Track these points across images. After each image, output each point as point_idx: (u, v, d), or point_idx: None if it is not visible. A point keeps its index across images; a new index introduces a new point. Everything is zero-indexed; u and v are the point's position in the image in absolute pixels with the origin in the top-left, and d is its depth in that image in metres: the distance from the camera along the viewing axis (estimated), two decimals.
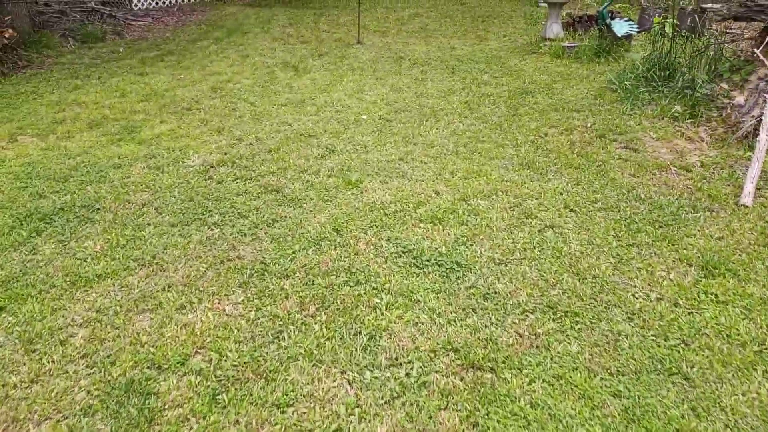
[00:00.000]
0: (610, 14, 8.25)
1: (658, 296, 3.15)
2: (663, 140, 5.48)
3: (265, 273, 3.33)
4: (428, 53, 9.09)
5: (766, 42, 5.76)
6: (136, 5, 13.19)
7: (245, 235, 3.75)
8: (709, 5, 5.62)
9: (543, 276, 3.31)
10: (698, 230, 3.85)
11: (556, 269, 3.38)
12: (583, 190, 4.43)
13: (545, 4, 12.88)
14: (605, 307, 3.06)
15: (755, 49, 5.44)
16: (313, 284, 3.23)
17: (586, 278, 3.30)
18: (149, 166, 4.92)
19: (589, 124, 5.85)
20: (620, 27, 8.19)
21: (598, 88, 7.05)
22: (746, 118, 5.47)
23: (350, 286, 3.19)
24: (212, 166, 4.89)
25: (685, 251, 3.59)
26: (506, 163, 4.94)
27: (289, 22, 11.73)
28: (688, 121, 5.69)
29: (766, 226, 3.91)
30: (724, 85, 5.94)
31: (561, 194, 4.37)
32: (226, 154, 5.19)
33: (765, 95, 5.44)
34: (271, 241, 3.67)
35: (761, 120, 5.42)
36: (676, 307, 3.07)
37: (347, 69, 8.25)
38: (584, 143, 5.39)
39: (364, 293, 3.13)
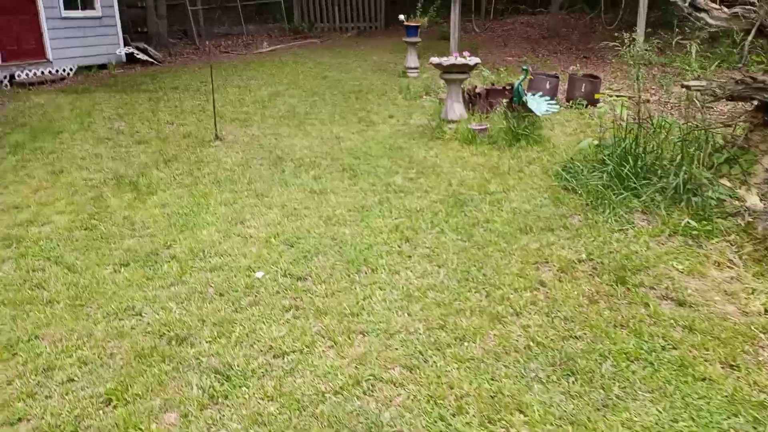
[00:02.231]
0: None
1: None
2: (696, 274, 3.80)
3: None
4: (312, 148, 6.95)
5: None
6: None
7: None
8: (694, 83, 4.17)
9: None
10: None
11: None
12: (697, 427, 2.50)
13: (415, 75, 11.48)
14: None
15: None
16: None
17: None
18: None
19: (584, 256, 4.05)
20: (538, 105, 6.73)
21: (547, 187, 5.38)
22: None
23: None
24: None
25: None
26: (533, 367, 2.89)
27: (118, 112, 8.98)
28: (713, 239, 4.11)
29: None
30: (726, 182, 4.50)
31: None
32: (20, 421, 2.57)
33: None
34: None
35: None
36: None
37: (211, 182, 5.83)
38: (606, 297, 3.54)
39: None
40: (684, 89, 4.59)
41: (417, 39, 11.36)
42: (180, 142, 7.35)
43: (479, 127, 7.01)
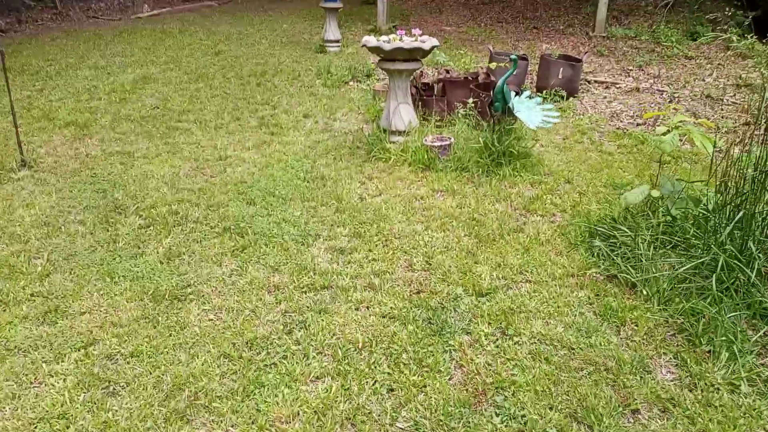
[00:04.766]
0: (509, 90, 4.29)
1: None
2: None
3: None
4: (177, 182, 4.21)
5: None
6: None
7: None
8: None
9: None
10: None
11: None
12: None
13: (336, 50, 8.77)
14: None
15: None
16: None
17: None
18: None
19: None
20: (529, 113, 4.29)
21: (577, 271, 3.00)
22: None
23: None
24: None
25: None
26: None
27: None
28: None
29: None
30: None
31: None
32: None
33: None
34: None
35: None
36: None
37: None
38: None
39: None
40: None
41: (338, 4, 8.60)
42: None
43: (440, 144, 4.52)
